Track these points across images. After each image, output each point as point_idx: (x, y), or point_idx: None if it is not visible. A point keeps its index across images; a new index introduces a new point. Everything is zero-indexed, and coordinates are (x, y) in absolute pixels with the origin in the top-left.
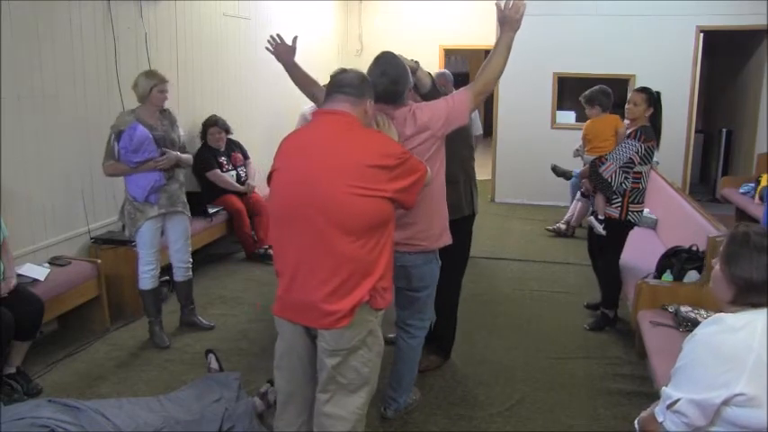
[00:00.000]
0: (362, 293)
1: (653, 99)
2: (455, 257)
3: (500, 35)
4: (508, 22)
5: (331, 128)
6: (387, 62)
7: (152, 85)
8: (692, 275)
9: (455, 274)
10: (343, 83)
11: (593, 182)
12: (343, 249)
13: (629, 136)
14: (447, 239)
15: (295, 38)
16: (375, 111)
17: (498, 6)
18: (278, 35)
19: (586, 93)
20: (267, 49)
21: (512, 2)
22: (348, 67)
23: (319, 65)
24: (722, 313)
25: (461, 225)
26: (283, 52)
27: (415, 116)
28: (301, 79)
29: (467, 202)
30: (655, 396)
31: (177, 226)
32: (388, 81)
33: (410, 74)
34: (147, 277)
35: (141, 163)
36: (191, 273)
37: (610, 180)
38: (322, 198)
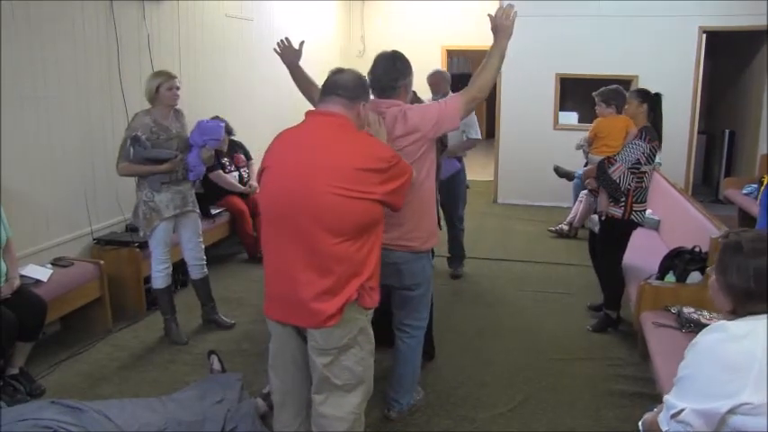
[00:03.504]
0: (351, 292)
1: (649, 100)
2: None
3: (494, 43)
4: (501, 30)
5: (324, 129)
6: (399, 55)
7: (158, 84)
8: (694, 276)
9: None
10: (338, 84)
11: (600, 183)
12: (333, 250)
13: (635, 136)
14: (435, 242)
15: (302, 42)
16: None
17: (490, 16)
18: (287, 38)
19: (603, 91)
20: (275, 50)
21: (502, 10)
22: (349, 68)
23: (321, 66)
24: (724, 321)
25: None
26: (289, 54)
27: (405, 117)
28: (302, 81)
29: None
30: (657, 398)
31: (189, 225)
32: (394, 68)
33: (412, 74)
34: (162, 276)
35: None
36: (206, 269)
37: (618, 181)
38: (310, 198)
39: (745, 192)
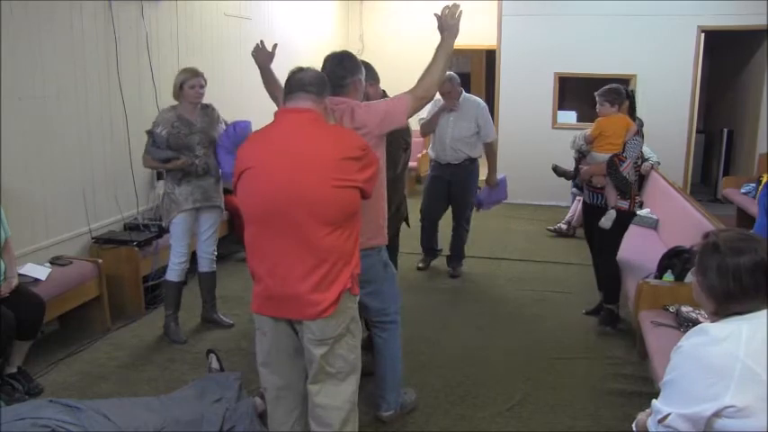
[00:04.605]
0: (345, 281)
1: (629, 97)
2: None
3: (440, 42)
4: (447, 29)
5: (301, 125)
6: (347, 54)
7: (182, 81)
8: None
9: None
10: (305, 81)
11: (613, 180)
12: (326, 241)
13: (634, 133)
14: (382, 239)
15: (275, 45)
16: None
17: (436, 15)
18: (261, 41)
19: (606, 90)
20: (252, 54)
21: (447, 9)
22: (308, 66)
23: (320, 65)
24: (707, 323)
25: None
26: (262, 56)
27: (353, 113)
28: (271, 83)
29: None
30: (656, 397)
31: (209, 218)
32: (341, 67)
33: (363, 71)
34: (177, 270)
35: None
36: (215, 265)
37: (627, 176)
38: (307, 194)
39: (743, 191)
